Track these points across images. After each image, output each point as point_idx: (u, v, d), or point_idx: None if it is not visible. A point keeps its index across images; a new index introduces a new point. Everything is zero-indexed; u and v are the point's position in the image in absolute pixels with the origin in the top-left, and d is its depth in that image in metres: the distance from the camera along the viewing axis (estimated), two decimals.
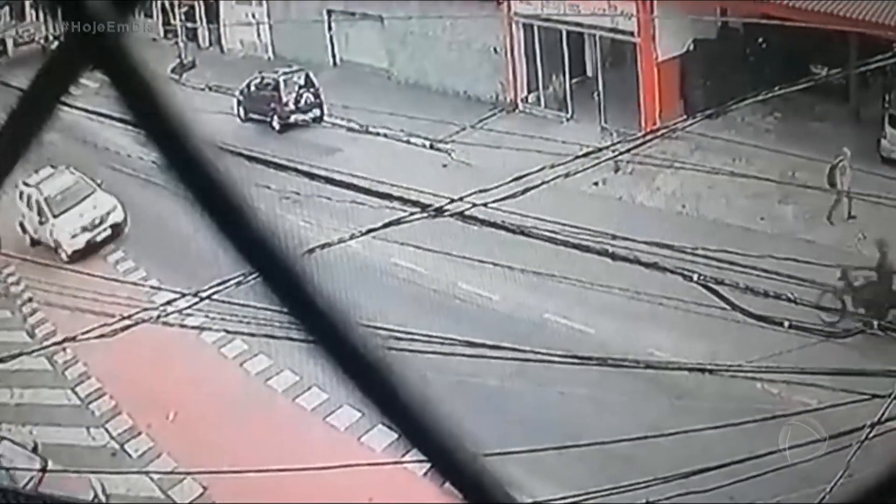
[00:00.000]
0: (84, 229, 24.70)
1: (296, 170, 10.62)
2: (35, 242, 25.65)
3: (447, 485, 0.84)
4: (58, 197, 25.09)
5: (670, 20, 24.84)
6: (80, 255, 24.31)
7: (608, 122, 26.12)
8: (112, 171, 25.23)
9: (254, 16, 35.09)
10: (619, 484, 9.98)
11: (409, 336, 9.88)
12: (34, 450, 16.71)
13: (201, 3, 36.54)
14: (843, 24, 21.46)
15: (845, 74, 21.51)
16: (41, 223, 25.28)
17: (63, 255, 24.48)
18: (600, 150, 15.04)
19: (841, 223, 20.85)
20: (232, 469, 13.89)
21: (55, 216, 24.92)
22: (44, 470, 15.84)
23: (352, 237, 10.58)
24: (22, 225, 25.98)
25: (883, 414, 8.72)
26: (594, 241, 10.19)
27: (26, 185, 24.91)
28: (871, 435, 8.60)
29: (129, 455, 17.93)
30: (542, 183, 10.28)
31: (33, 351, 18.81)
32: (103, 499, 16.07)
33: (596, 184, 22.77)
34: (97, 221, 24.88)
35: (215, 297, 10.11)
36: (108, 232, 24.96)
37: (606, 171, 22.04)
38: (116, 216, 25.11)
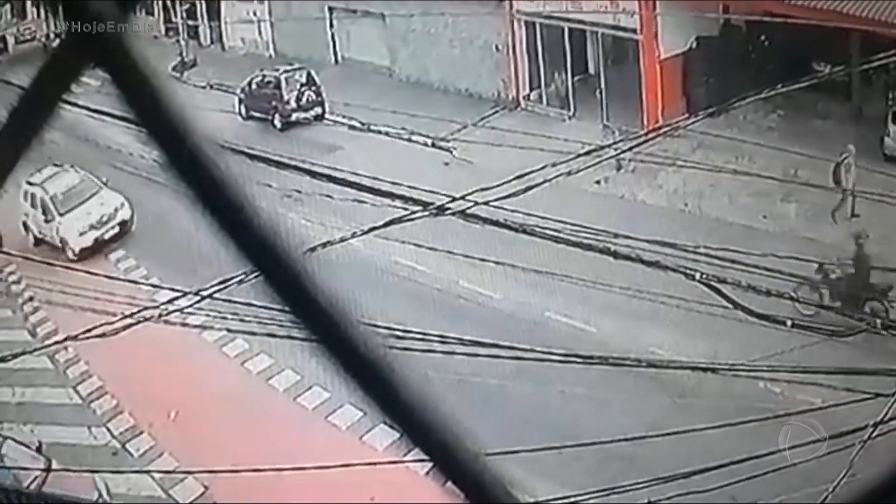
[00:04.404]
0: (92, 227, 24.69)
1: (297, 168, 10.59)
2: (39, 241, 25.59)
3: (449, 484, 0.84)
4: (63, 195, 25.05)
5: (673, 17, 24.85)
6: (88, 253, 24.29)
7: (610, 120, 26.09)
8: (114, 170, 25.23)
9: (255, 13, 35.06)
10: (620, 483, 10.03)
11: (411, 335, 9.80)
12: (38, 449, 16.70)
13: (203, 0, 36.53)
14: (846, 22, 21.47)
15: (848, 72, 21.43)
16: (46, 221, 25.24)
17: (70, 254, 24.42)
18: (602, 148, 15.13)
19: (843, 222, 20.77)
20: (233, 468, 13.78)
21: (61, 214, 24.89)
22: (48, 470, 15.82)
23: (353, 235, 10.56)
24: (25, 224, 25.90)
25: (886, 413, 8.70)
26: (596, 239, 10.17)
27: (30, 183, 24.85)
28: (874, 434, 8.58)
29: (131, 454, 17.95)
30: (544, 181, 10.26)
31: (35, 350, 18.69)
32: (107, 498, 16.03)
33: (598, 182, 22.75)
34: (105, 219, 24.87)
35: (217, 295, 10.03)
36: (117, 229, 24.96)
37: (608, 169, 22.08)
38: (124, 213, 25.12)
